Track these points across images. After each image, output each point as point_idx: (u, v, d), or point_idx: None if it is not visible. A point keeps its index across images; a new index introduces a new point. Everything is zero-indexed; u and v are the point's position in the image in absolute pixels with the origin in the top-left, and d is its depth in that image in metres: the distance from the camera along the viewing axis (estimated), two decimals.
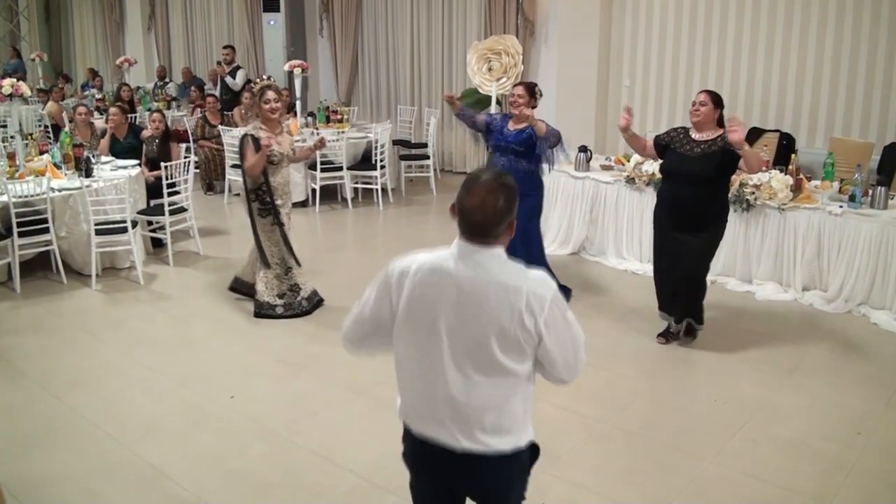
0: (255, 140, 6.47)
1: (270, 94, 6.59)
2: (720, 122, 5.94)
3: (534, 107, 6.84)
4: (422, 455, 2.86)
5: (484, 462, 2.77)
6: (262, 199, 6.66)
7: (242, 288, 7.26)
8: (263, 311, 6.89)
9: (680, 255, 6.05)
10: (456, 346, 2.68)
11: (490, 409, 2.74)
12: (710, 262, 6.23)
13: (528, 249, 6.91)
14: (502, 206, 2.64)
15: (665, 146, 6.12)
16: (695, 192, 5.89)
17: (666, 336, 6.40)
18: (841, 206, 7.01)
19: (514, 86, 7.11)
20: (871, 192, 6.97)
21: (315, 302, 7.11)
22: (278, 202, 6.71)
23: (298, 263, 6.97)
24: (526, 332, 2.67)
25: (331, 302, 7.23)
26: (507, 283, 2.65)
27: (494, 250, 2.69)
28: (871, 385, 5.72)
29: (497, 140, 6.92)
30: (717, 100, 5.92)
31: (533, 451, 3.01)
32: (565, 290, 7.16)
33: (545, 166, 6.93)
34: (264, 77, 6.90)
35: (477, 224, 2.65)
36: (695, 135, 5.97)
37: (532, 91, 6.84)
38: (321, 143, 6.97)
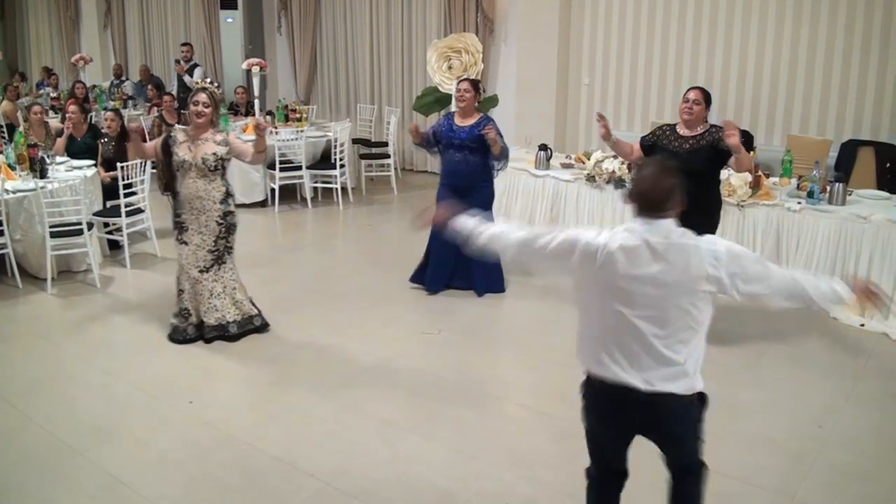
0: (168, 138, 6.23)
1: (201, 97, 6.12)
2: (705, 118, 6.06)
3: (479, 101, 7.28)
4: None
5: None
6: (174, 211, 6.30)
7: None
8: (172, 319, 6.47)
9: None
10: (649, 304, 3.16)
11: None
12: None
13: None
14: (670, 185, 3.32)
15: (652, 145, 6.17)
16: (687, 188, 5.85)
17: None
18: (799, 203, 7.07)
19: (459, 81, 7.31)
20: (829, 188, 7.05)
21: (209, 338, 6.32)
22: (185, 217, 6.21)
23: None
24: (710, 283, 3.16)
25: (291, 303, 7.21)
26: (688, 244, 3.23)
27: (667, 221, 3.26)
28: (832, 379, 5.78)
29: (449, 138, 7.15)
30: (708, 99, 6.03)
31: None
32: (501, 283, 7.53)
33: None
34: (207, 80, 6.46)
35: (654, 202, 3.26)
36: (682, 131, 6.03)
37: (476, 87, 7.25)
38: (260, 126, 6.17)
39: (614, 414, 3.36)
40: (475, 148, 7.08)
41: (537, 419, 5.23)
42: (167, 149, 6.20)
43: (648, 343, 3.17)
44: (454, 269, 7.37)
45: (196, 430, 5.06)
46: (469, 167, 7.14)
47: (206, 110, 6.12)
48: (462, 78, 7.43)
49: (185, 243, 6.24)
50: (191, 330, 6.37)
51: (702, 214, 5.98)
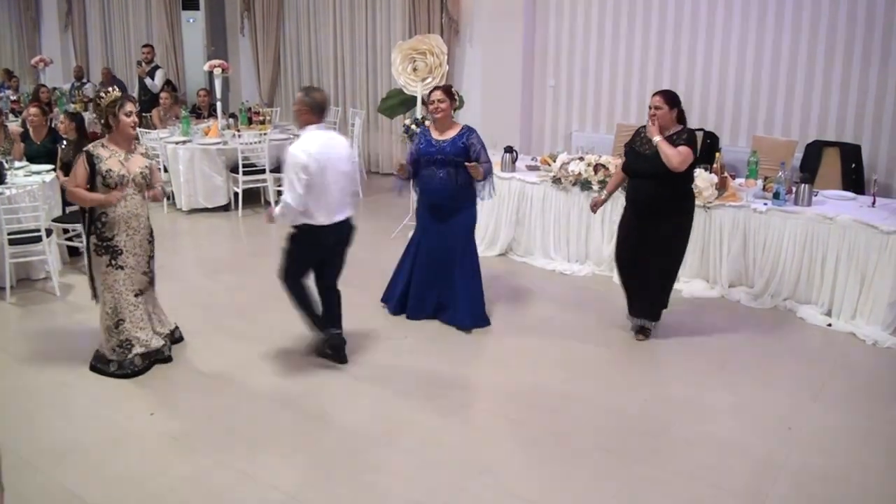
0: (91, 159, 5.57)
1: (131, 107, 5.67)
2: (680, 119, 6.10)
3: (455, 108, 6.68)
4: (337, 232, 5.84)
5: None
6: (99, 234, 5.68)
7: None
8: (98, 366, 5.92)
9: (644, 250, 6.17)
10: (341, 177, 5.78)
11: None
12: (678, 258, 6.33)
13: (471, 264, 6.70)
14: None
15: (630, 149, 6.30)
16: (652, 189, 6.07)
17: (645, 333, 6.52)
18: (765, 204, 7.08)
19: (431, 91, 6.82)
20: (794, 189, 7.06)
21: (153, 360, 5.97)
22: (119, 239, 5.68)
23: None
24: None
25: (254, 309, 7.12)
26: (335, 135, 5.97)
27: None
28: (800, 380, 5.79)
29: (430, 154, 6.48)
30: (671, 100, 6.04)
31: None
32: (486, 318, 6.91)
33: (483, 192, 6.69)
34: (110, 89, 5.82)
35: (326, 110, 5.79)
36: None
37: (452, 95, 6.61)
38: (158, 195, 5.95)
39: (331, 242, 5.85)
40: (461, 163, 6.39)
41: (504, 426, 5.18)
42: (92, 168, 5.58)
43: (345, 196, 5.81)
44: (437, 299, 6.82)
45: (157, 443, 4.97)
46: (454, 185, 6.46)
47: (137, 119, 5.80)
48: (435, 86, 6.84)
49: (122, 267, 5.75)
50: (137, 361, 5.86)
51: (675, 214, 6.10)
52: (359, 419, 5.23)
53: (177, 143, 10.48)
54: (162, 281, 7.19)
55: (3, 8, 19.21)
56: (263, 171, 10.47)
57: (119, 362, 5.84)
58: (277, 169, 10.67)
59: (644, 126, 6.23)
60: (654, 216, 6.11)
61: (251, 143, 10.42)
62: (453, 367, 6.06)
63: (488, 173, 6.51)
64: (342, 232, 5.86)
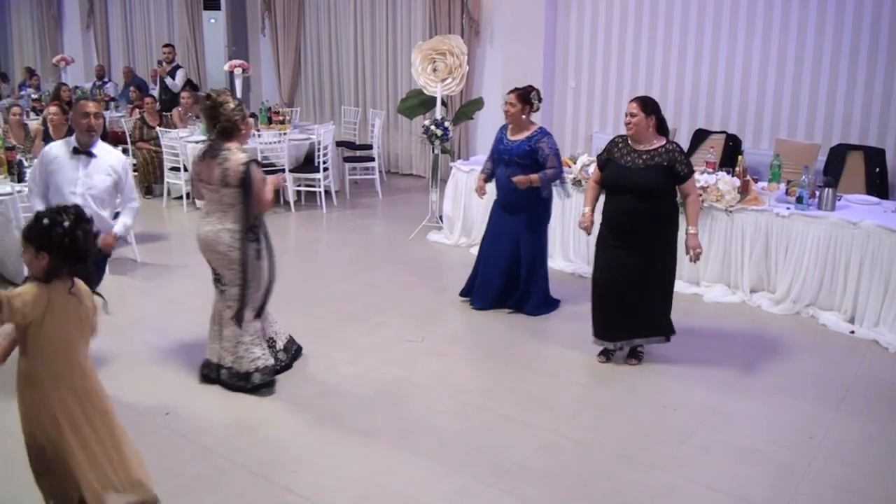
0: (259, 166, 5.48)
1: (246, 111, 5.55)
2: (661, 130, 5.71)
3: (535, 110, 6.83)
4: None
5: None
6: (257, 237, 5.62)
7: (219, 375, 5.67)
8: (241, 384, 5.52)
9: (634, 272, 5.76)
10: None
11: None
12: (674, 268, 5.95)
13: (534, 258, 6.95)
14: None
15: (606, 161, 5.86)
16: (641, 206, 5.65)
17: (607, 355, 6.14)
18: (788, 208, 7.00)
19: (507, 93, 6.85)
20: (818, 193, 6.97)
21: (293, 352, 6.01)
22: (262, 232, 5.69)
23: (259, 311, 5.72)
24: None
25: (271, 310, 7.06)
26: None
27: None
28: (822, 388, 5.70)
29: (500, 151, 6.83)
30: (646, 106, 5.62)
31: None
32: (554, 302, 7.23)
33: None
34: (220, 92, 5.60)
35: None
36: (635, 145, 5.70)
37: (526, 98, 6.71)
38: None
39: None
40: (525, 164, 6.63)
41: (522, 430, 5.12)
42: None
43: None
44: (505, 287, 7.00)
45: (172, 443, 4.93)
46: (515, 187, 6.65)
47: None
48: (511, 89, 6.89)
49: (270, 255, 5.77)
50: (282, 356, 5.88)
51: (657, 229, 5.77)
52: (375, 421, 5.19)
53: (197, 142, 10.47)
54: (183, 279, 7.24)
55: (25, 6, 19.36)
56: (283, 171, 10.45)
57: (264, 364, 5.57)
58: (296, 169, 10.70)
59: (621, 136, 5.84)
60: (642, 233, 5.70)
61: (271, 143, 10.42)
62: (470, 369, 6.03)
63: (550, 179, 6.71)
64: None
